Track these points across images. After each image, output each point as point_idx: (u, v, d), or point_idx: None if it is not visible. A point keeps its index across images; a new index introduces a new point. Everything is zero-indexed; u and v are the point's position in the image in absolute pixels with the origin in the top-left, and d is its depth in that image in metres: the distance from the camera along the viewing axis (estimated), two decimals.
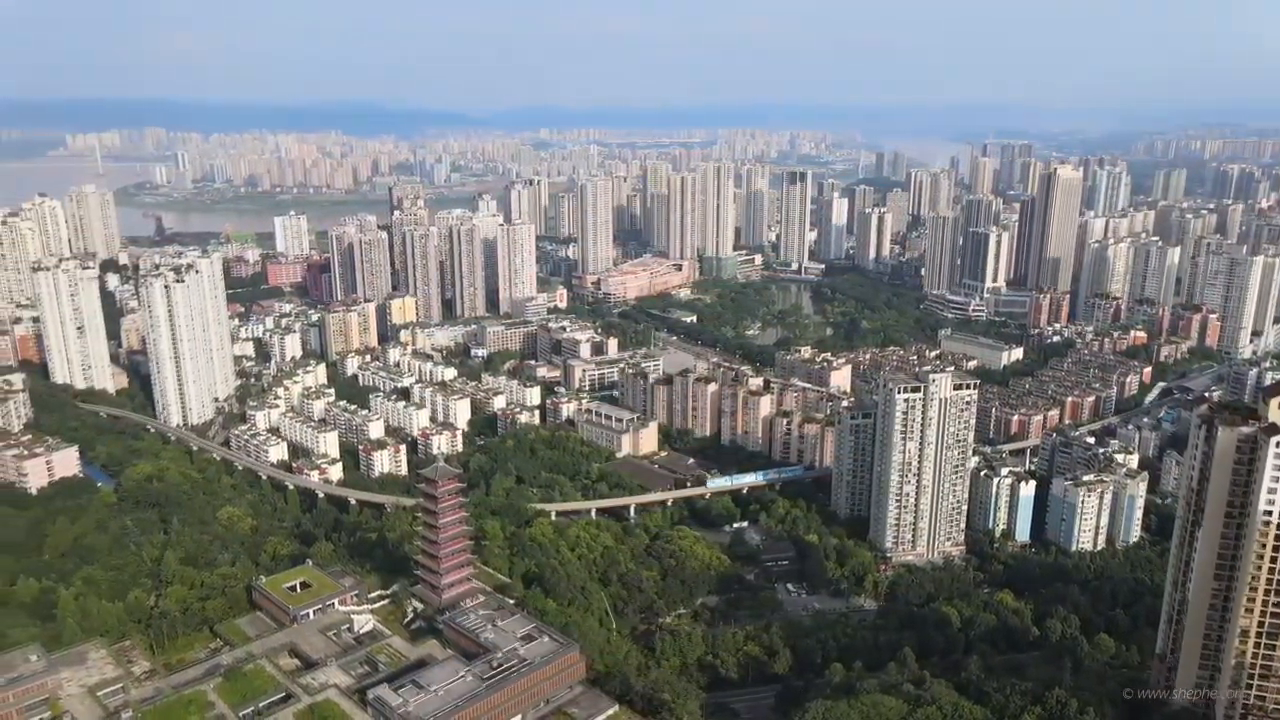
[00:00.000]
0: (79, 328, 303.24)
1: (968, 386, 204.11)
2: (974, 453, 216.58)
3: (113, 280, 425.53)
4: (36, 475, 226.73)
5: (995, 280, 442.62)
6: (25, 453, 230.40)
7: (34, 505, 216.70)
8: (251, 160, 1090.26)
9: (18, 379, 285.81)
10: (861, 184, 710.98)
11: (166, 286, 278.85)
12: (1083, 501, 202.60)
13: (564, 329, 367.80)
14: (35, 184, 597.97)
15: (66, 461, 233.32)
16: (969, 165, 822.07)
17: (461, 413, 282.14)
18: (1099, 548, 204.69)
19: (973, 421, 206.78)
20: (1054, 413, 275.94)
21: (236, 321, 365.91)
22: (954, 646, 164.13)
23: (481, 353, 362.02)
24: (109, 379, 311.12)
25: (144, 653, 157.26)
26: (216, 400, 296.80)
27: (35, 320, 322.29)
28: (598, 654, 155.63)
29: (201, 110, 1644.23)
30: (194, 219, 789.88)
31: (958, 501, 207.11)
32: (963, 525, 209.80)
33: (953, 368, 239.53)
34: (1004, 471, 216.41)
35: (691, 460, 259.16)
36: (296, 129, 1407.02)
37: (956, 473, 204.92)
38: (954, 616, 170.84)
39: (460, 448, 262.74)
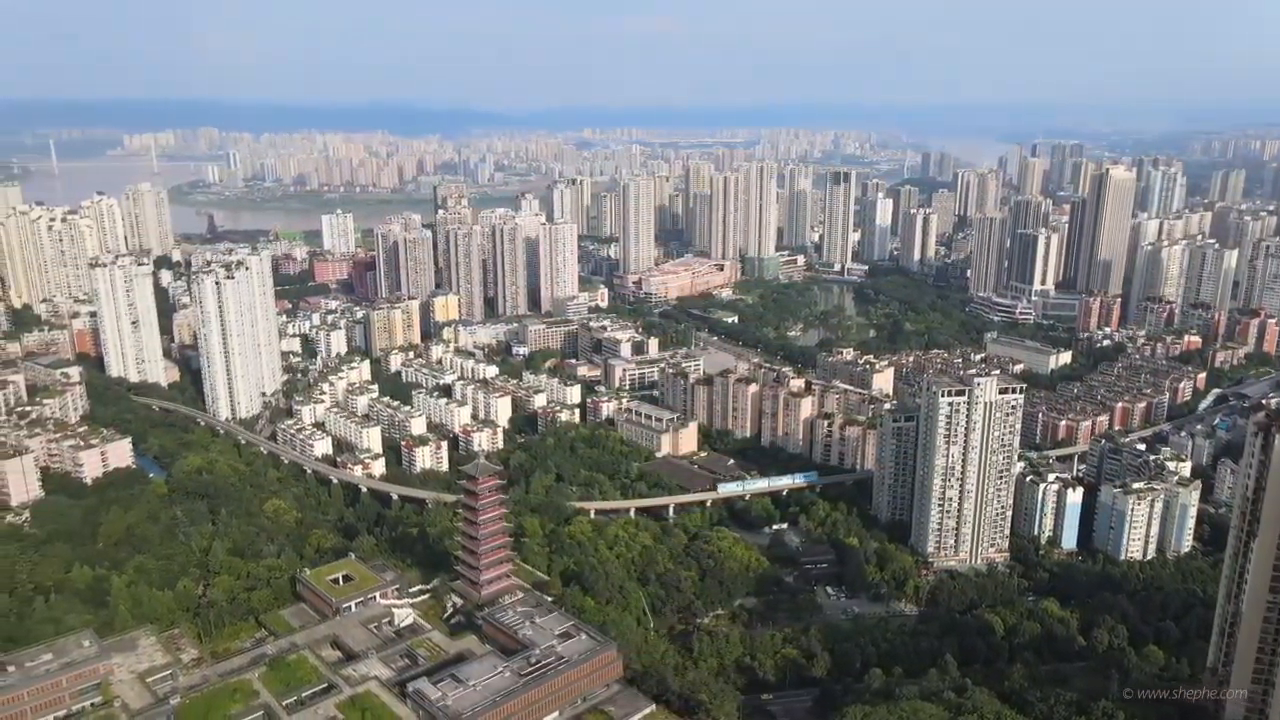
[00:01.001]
0: (134, 322, 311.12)
1: (1014, 390, 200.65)
2: (1019, 458, 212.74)
3: (166, 276, 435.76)
4: (91, 465, 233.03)
5: (1043, 283, 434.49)
6: (81, 444, 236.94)
7: (89, 495, 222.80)
8: (300, 160, 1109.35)
9: (75, 372, 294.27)
10: (906, 184, 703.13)
11: (217, 283, 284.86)
12: (1132, 509, 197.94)
13: (605, 328, 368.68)
14: (94, 182, 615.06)
15: (120, 452, 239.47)
16: (1017, 166, 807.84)
17: (502, 410, 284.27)
18: (1149, 557, 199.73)
19: (1018, 426, 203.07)
20: (1103, 418, 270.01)
21: (284, 318, 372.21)
22: (997, 654, 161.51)
23: (523, 351, 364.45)
24: (161, 373, 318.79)
25: (192, 641, 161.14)
26: (264, 395, 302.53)
27: (92, 315, 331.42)
28: (635, 653, 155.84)
29: (253, 111, 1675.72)
30: (245, 217, 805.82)
31: (1002, 507, 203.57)
32: (1007, 531, 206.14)
33: (998, 371, 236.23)
34: (1050, 477, 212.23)
35: (731, 461, 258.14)
36: (345, 129, 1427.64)
37: (1001, 478, 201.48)
38: (997, 624, 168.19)
39: (501, 445, 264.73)
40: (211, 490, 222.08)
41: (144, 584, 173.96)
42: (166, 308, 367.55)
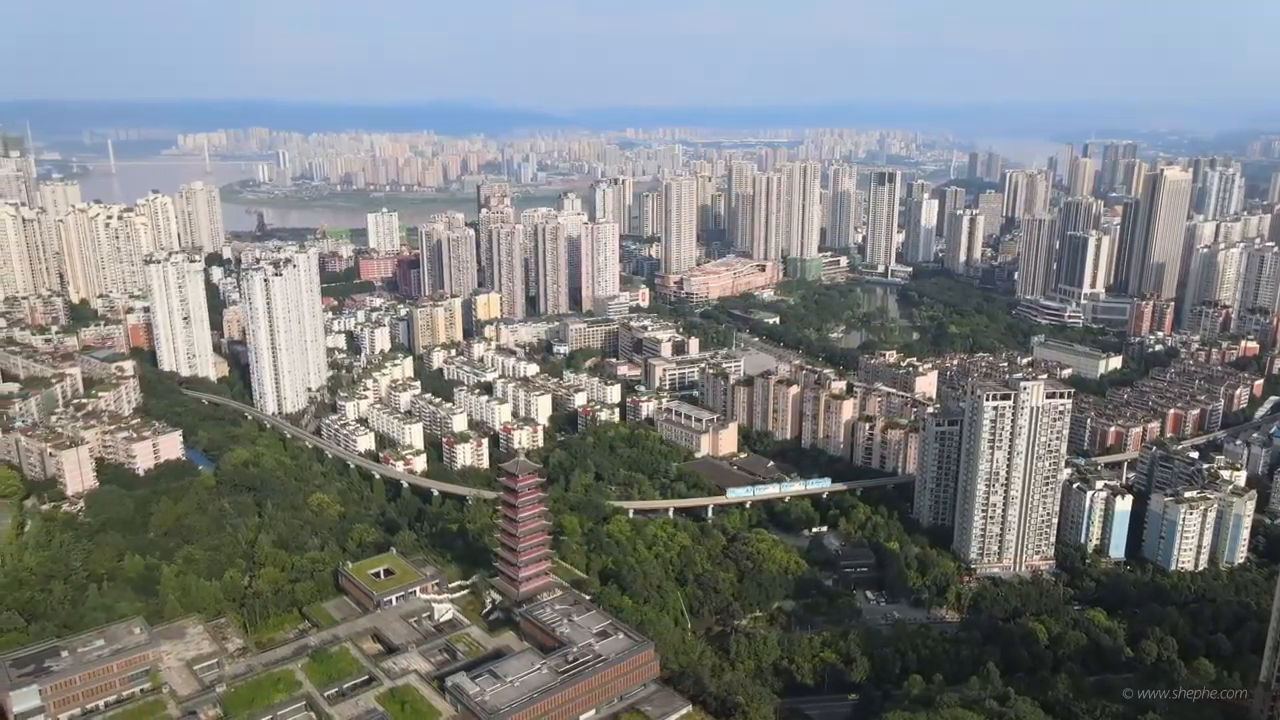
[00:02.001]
0: (185, 318, 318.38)
1: (1061, 395, 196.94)
2: (1066, 464, 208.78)
3: (216, 273, 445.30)
4: (144, 457, 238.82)
5: (1093, 286, 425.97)
6: (134, 436, 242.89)
7: (141, 485, 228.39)
8: (348, 159, 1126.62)
9: (129, 366, 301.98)
10: (953, 185, 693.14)
11: (266, 280, 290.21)
12: (1184, 519, 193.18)
13: (645, 328, 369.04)
14: (150, 181, 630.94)
15: (171, 445, 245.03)
16: (1068, 166, 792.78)
17: (543, 408, 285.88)
18: (1200, 568, 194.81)
19: (1066, 432, 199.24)
20: (1154, 425, 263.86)
21: (330, 314, 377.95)
22: (1040, 664, 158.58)
23: (563, 349, 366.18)
24: (211, 367, 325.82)
25: (237, 630, 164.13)
26: (309, 390, 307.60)
27: (146, 310, 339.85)
28: (672, 653, 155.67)
29: (303, 111, 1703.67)
30: (293, 215, 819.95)
31: (1048, 514, 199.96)
32: (1052, 539, 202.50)
33: (1045, 375, 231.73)
34: (1098, 485, 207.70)
35: (771, 463, 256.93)
36: (391, 129, 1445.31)
37: (1047, 484, 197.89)
38: (1041, 633, 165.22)
39: (541, 443, 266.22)
40: (258, 483, 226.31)
41: (192, 574, 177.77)
42: (217, 304, 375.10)
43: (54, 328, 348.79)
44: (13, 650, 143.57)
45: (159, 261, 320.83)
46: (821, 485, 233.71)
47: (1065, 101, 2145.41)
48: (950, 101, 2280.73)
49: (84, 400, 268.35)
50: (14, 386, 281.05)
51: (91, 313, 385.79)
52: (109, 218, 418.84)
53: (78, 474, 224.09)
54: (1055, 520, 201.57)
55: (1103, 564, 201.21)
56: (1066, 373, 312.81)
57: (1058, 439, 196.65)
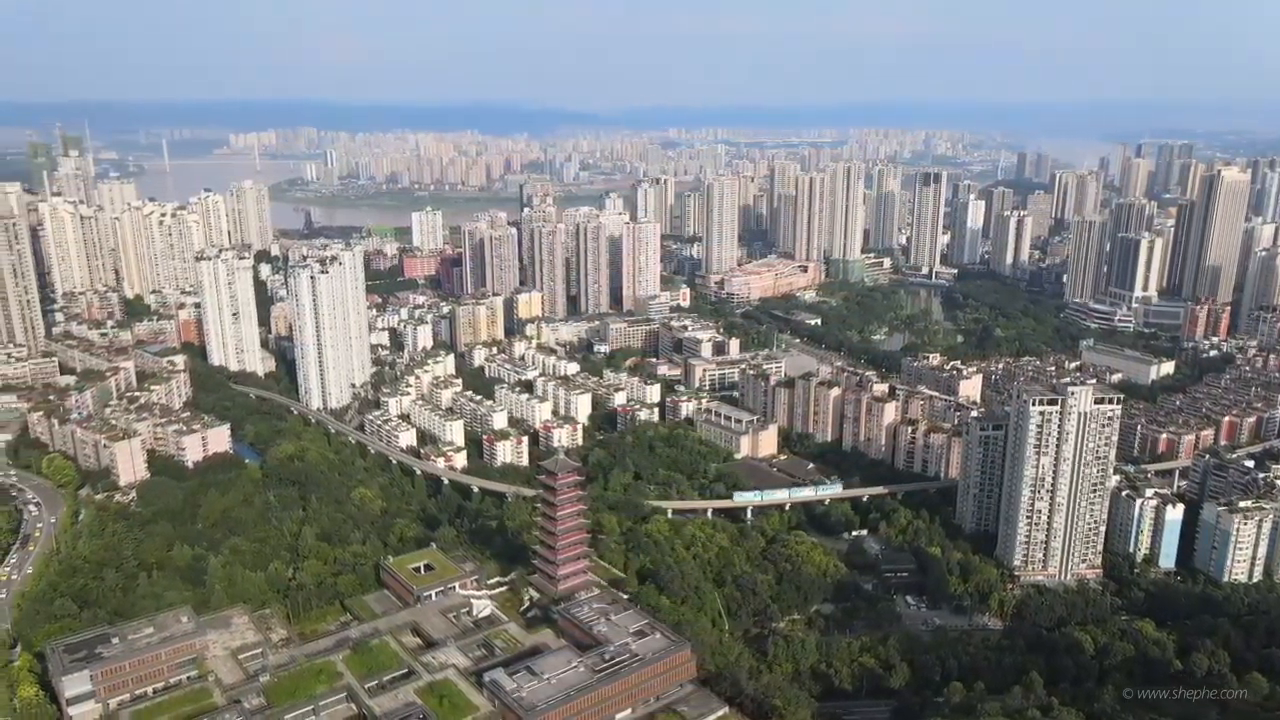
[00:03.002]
0: (234, 314, 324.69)
1: (1111, 401, 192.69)
2: (1115, 471, 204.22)
3: (265, 270, 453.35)
4: (193, 450, 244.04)
5: (1145, 289, 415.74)
6: (184, 429, 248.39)
7: (190, 477, 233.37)
8: (393, 158, 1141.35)
9: (180, 360, 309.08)
10: (1000, 186, 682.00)
11: (312, 277, 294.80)
12: (1238, 529, 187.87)
13: (686, 328, 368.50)
14: (202, 180, 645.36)
15: (219, 438, 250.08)
16: (1120, 166, 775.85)
17: (582, 407, 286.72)
18: (1255, 579, 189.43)
19: (1115, 438, 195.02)
20: (1207, 432, 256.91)
21: (374, 311, 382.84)
22: (1086, 675, 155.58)
23: (604, 349, 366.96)
24: (259, 362, 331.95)
25: (281, 621, 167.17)
26: (353, 386, 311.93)
27: (197, 306, 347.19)
28: (709, 654, 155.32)
29: (351, 111, 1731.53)
30: (339, 214, 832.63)
31: (1095, 522, 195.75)
32: (1100, 547, 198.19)
33: (1094, 380, 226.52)
34: (1148, 493, 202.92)
35: (811, 465, 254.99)
36: (436, 128, 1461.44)
37: (1095, 491, 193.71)
38: (1087, 643, 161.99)
39: (580, 441, 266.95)
40: (302, 477, 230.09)
41: (238, 564, 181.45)
42: (265, 300, 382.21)
43: (109, 323, 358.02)
44: (66, 636, 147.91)
45: (210, 258, 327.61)
46: (832, 490, 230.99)
47: (1117, 100, 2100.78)
48: (999, 101, 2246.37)
49: (137, 393, 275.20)
50: (71, 379, 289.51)
51: (145, 308, 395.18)
52: (163, 215, 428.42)
53: (130, 465, 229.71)
54: (1103, 528, 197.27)
55: (1152, 574, 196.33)
56: (1116, 378, 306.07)
57: (1106, 445, 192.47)
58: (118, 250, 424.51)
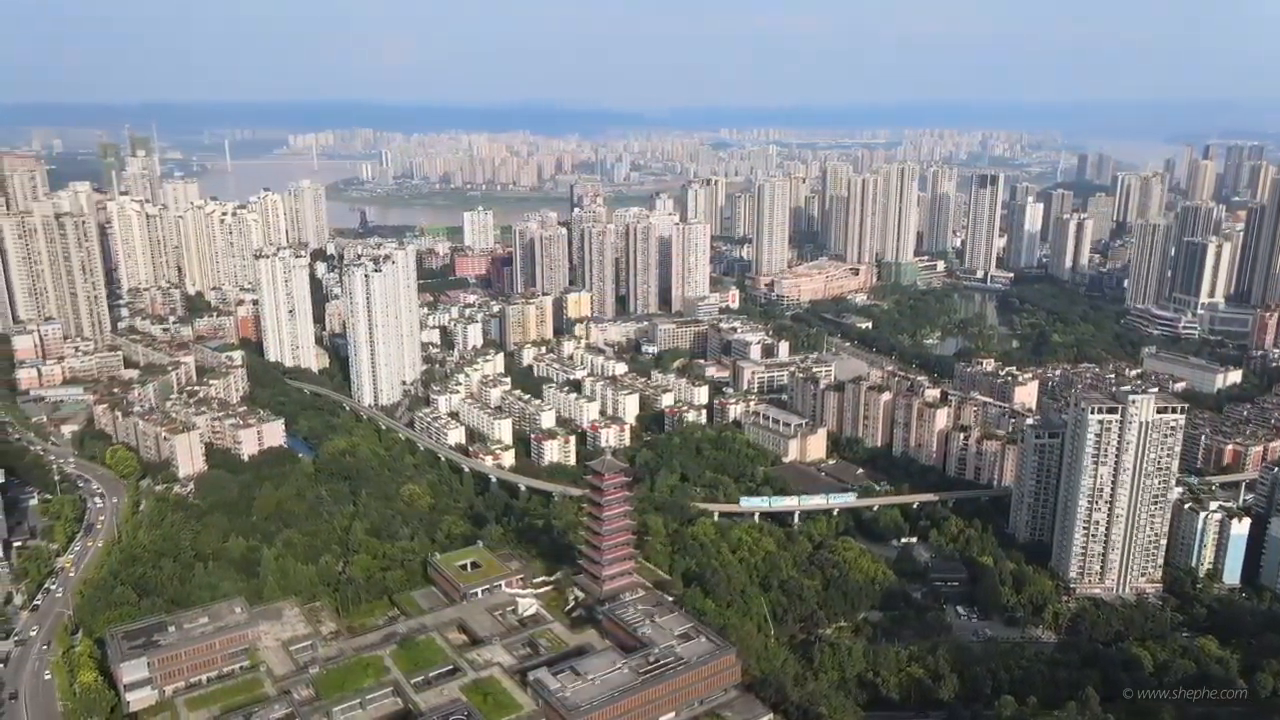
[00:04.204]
0: (290, 311, 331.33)
1: (1174, 410, 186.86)
2: (1178, 483, 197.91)
3: (321, 268, 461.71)
4: (249, 443, 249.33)
5: (1212, 295, 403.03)
6: (241, 423, 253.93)
7: (245, 470, 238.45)
8: (446, 159, 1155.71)
9: (238, 355, 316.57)
10: (1059, 188, 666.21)
11: (366, 275, 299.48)
12: None
13: (735, 329, 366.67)
14: (262, 179, 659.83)
15: (274, 433, 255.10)
16: (1186, 168, 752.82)
17: (630, 408, 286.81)
18: None
19: (1178, 449, 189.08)
20: (1276, 444, 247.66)
21: (425, 310, 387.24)
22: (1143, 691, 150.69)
23: (652, 349, 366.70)
24: (313, 359, 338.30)
25: (331, 614, 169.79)
26: (404, 383, 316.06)
27: (255, 303, 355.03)
28: (754, 659, 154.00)
29: (406, 112, 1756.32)
30: (393, 213, 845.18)
31: (1155, 534, 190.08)
32: (1160, 561, 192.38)
33: (1156, 388, 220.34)
34: (1212, 506, 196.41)
35: (860, 470, 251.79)
36: (488, 129, 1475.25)
37: (1156, 503, 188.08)
38: (1145, 659, 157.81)
39: (627, 442, 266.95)
40: (353, 472, 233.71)
41: (290, 557, 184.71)
42: (320, 298, 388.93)
43: (171, 318, 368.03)
44: (125, 624, 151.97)
45: (268, 256, 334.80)
46: (845, 499, 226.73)
47: (1183, 100, 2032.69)
48: (1059, 101, 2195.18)
49: (196, 388, 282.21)
50: (134, 373, 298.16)
51: (205, 304, 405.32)
52: (224, 214, 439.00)
53: (189, 457, 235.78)
54: (1164, 541, 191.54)
55: (1215, 590, 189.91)
56: (1179, 386, 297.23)
57: (1169, 456, 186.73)
58: (181, 248, 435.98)
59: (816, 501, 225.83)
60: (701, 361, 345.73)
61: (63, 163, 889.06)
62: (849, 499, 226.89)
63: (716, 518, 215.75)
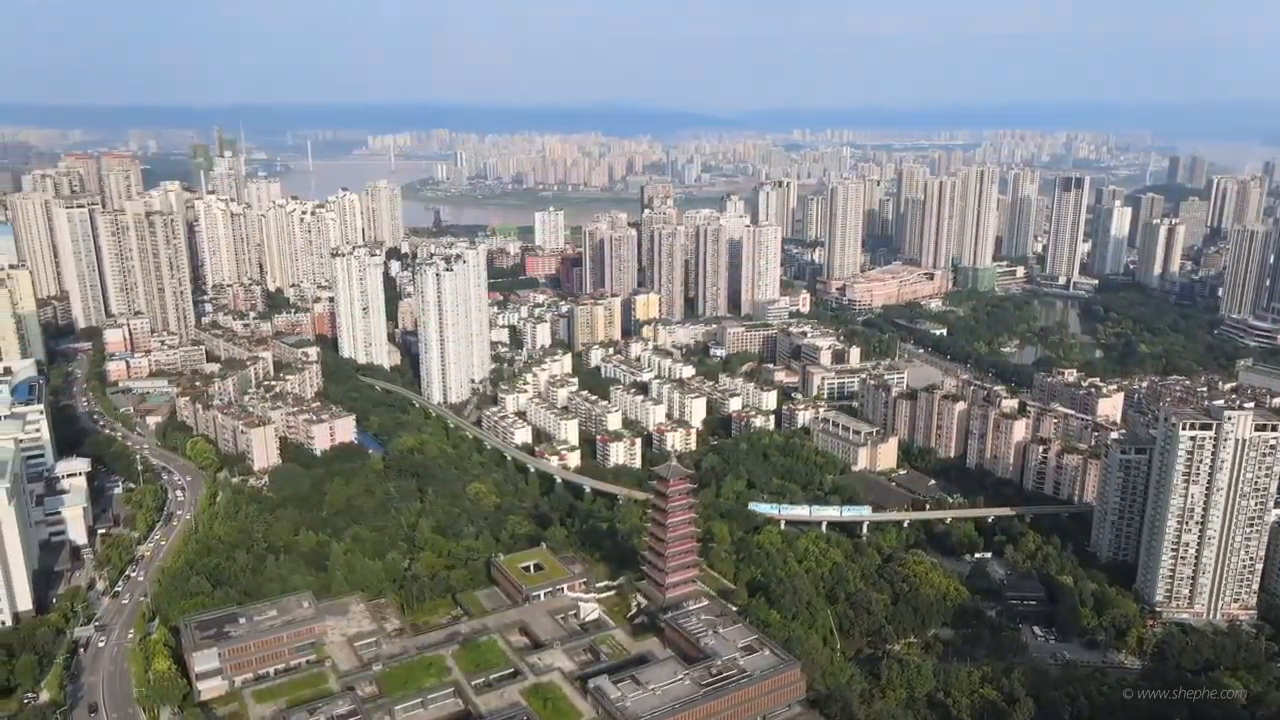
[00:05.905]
0: (364, 308, 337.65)
1: (1273, 427, 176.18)
2: (1276, 505, 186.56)
3: (394, 267, 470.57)
4: (321, 438, 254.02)
5: None
6: (314, 418, 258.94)
7: (317, 465, 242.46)
8: (519, 159, 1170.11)
9: (314, 352, 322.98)
10: (1149, 191, 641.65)
11: (438, 274, 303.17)
12: None
13: (805, 334, 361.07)
14: (341, 179, 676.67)
15: (345, 428, 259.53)
16: None
17: (697, 411, 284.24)
18: None
19: (1277, 469, 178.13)
20: None
21: (495, 309, 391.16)
22: None
23: (720, 352, 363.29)
24: (385, 356, 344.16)
25: (395, 611, 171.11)
26: (473, 382, 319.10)
27: (331, 300, 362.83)
28: (819, 674, 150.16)
29: (481, 113, 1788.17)
30: (467, 213, 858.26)
31: (1251, 559, 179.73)
32: (1255, 587, 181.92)
33: (1253, 404, 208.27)
34: None
35: (933, 481, 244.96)
36: (561, 130, 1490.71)
37: (1252, 526, 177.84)
38: (1238, 690, 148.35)
39: (694, 446, 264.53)
40: (421, 469, 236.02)
41: (358, 552, 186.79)
42: (393, 296, 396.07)
43: (252, 314, 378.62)
44: (199, 613, 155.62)
45: (344, 255, 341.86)
46: (859, 513, 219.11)
47: None
48: (1149, 100, 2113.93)
49: (273, 382, 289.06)
50: (215, 367, 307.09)
51: (284, 301, 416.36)
52: (304, 213, 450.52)
53: (264, 451, 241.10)
54: (1260, 566, 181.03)
55: None
56: (1278, 402, 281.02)
57: (1267, 476, 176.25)
58: (263, 245, 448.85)
59: (831, 512, 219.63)
60: (770, 366, 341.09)
61: (157, 163, 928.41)
62: (863, 512, 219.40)
63: (783, 526, 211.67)
